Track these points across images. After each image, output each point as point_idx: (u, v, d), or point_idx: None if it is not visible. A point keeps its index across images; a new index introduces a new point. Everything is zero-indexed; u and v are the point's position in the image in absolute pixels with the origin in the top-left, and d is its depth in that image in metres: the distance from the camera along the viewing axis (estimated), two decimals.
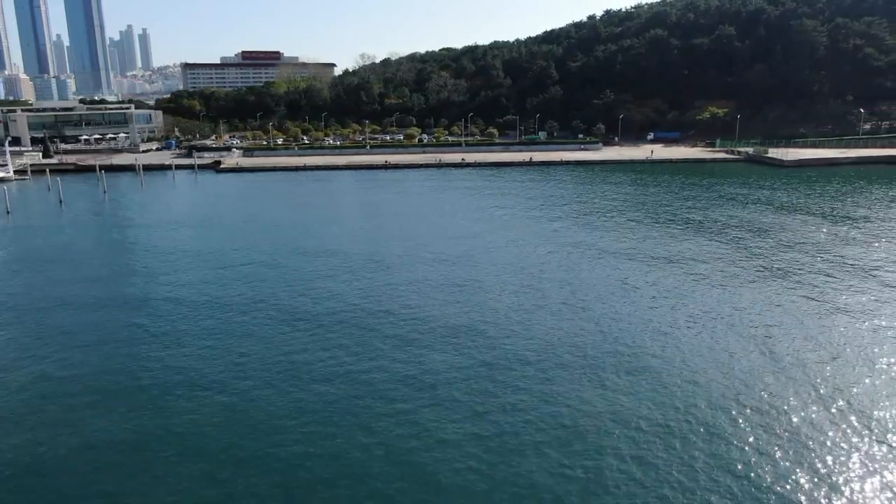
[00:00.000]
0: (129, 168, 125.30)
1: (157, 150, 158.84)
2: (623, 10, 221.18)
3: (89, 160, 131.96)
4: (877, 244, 59.14)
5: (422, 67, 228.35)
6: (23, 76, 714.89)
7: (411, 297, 46.09)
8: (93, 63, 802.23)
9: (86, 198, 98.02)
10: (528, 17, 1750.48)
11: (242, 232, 70.72)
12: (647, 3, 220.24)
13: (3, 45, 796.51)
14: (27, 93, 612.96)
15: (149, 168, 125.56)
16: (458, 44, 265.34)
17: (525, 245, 61.17)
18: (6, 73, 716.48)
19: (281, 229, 71.91)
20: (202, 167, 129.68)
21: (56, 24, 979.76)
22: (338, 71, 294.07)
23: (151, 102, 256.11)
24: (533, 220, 74.30)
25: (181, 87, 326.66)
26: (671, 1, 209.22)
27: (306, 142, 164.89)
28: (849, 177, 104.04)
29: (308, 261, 56.97)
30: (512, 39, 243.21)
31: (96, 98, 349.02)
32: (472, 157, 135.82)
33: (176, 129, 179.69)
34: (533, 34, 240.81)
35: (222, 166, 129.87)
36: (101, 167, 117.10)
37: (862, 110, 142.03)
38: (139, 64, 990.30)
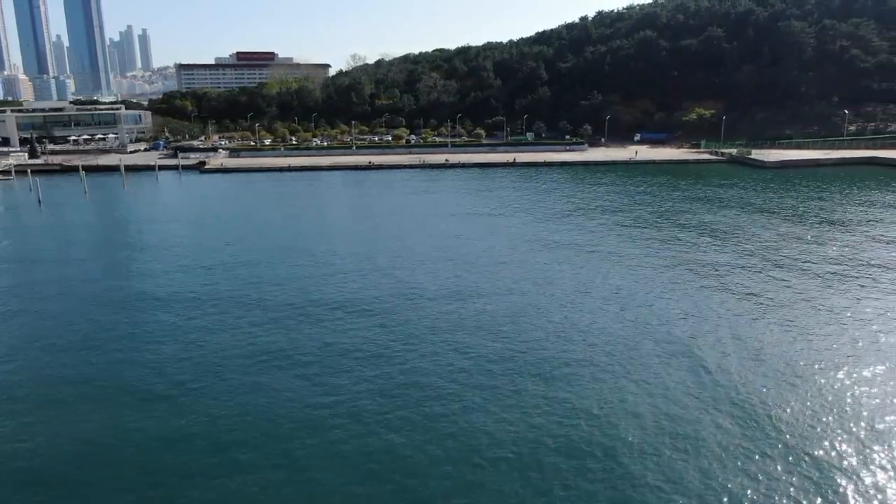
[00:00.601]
0: (114, 169, 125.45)
1: (146, 150, 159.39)
2: (615, 11, 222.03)
3: (75, 161, 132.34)
4: (832, 245, 59.29)
5: (413, 68, 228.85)
6: (22, 77, 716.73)
7: (367, 297, 46.35)
8: (92, 64, 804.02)
9: (66, 198, 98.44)
10: (527, 18, 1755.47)
11: (218, 231, 71.13)
12: (638, 5, 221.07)
13: (2, 45, 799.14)
14: (26, 93, 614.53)
15: (134, 169, 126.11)
16: (457, 45, 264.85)
17: (492, 244, 61.46)
18: (5, 73, 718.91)
19: (256, 228, 72.38)
20: (187, 168, 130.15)
21: (56, 24, 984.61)
22: (333, 72, 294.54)
23: (146, 103, 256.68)
24: (505, 219, 74.52)
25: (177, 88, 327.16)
26: (662, 2, 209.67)
27: (293, 142, 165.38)
28: (827, 178, 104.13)
29: (274, 259, 57.18)
30: (507, 40, 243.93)
31: (93, 98, 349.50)
32: (456, 157, 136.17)
33: (165, 130, 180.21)
34: (529, 35, 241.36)
35: (206, 167, 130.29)
36: (85, 168, 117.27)
37: (847, 112, 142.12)
38: (139, 64, 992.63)
